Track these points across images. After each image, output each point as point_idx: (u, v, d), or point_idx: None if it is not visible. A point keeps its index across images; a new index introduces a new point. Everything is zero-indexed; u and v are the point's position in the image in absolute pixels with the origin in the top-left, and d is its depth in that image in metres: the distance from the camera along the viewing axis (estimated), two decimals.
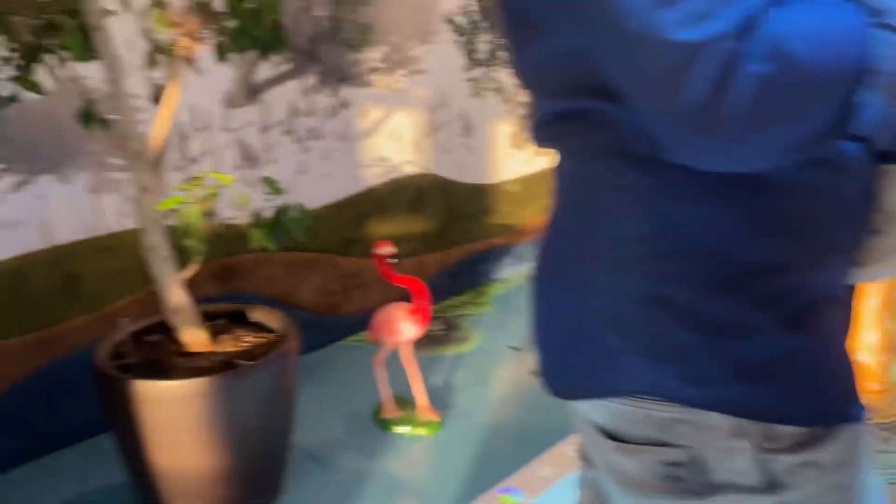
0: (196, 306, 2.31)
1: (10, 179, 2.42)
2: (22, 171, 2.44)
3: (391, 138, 3.60)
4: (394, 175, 3.65)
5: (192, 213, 1.95)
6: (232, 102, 2.94)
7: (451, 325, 3.75)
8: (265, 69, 3.01)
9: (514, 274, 4.49)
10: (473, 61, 3.92)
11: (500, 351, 3.48)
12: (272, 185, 2.06)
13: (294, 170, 3.21)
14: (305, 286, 3.36)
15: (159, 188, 2.04)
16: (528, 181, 4.49)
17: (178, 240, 2.07)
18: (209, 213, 2.06)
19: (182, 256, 2.14)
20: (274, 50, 1.92)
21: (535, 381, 0.99)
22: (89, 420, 2.46)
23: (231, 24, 1.79)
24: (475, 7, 3.84)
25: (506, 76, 4.10)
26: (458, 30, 3.80)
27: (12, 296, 2.49)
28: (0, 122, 2.24)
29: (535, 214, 4.59)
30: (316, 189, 3.30)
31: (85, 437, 2.68)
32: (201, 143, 2.88)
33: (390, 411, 2.77)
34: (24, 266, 2.50)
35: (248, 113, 3.01)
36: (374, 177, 3.55)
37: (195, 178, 2.08)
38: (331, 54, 3.24)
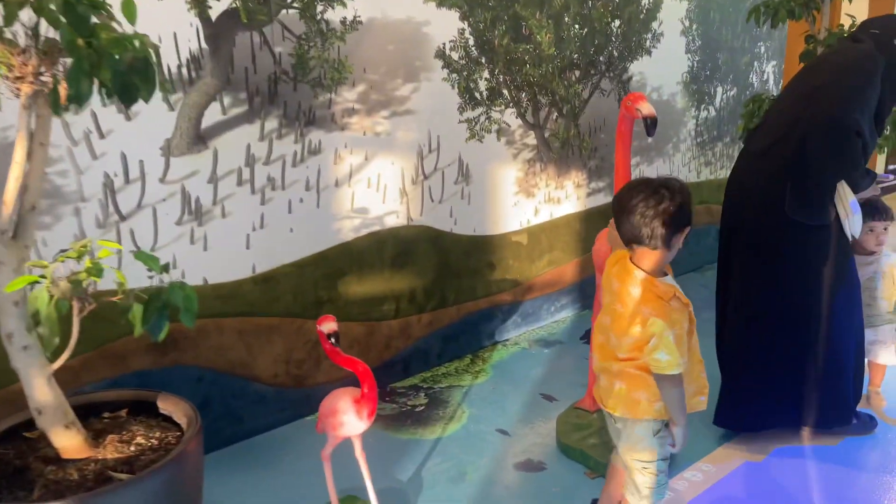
0: (83, 396, 1.93)
1: None
2: None
3: (371, 187, 3.19)
4: (374, 228, 3.24)
5: (39, 298, 1.57)
6: (172, 150, 2.60)
7: (431, 400, 3.28)
8: (214, 112, 2.66)
9: (520, 336, 3.99)
10: (470, 101, 3.50)
11: (488, 435, 2.99)
12: (150, 262, 1.66)
13: (251, 224, 2.83)
14: (264, 356, 2.96)
15: (15, 263, 1.67)
16: (537, 232, 4.01)
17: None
18: (78, 294, 1.68)
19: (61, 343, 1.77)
20: (139, 96, 1.53)
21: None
22: None
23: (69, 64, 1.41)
24: (472, 40, 3.43)
25: (508, 116, 3.67)
26: (452, 65, 3.39)
27: None
28: None
29: (544, 269, 4.10)
30: (278, 245, 2.92)
31: None
32: (135, 196, 2.54)
33: None
34: None
35: (194, 162, 2.66)
36: (349, 230, 3.15)
37: (68, 251, 1.71)
38: (295, 95, 2.87)
